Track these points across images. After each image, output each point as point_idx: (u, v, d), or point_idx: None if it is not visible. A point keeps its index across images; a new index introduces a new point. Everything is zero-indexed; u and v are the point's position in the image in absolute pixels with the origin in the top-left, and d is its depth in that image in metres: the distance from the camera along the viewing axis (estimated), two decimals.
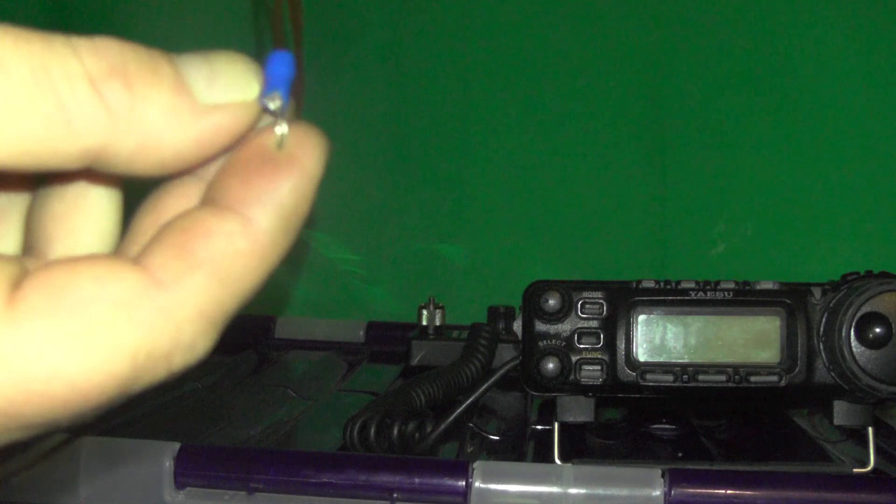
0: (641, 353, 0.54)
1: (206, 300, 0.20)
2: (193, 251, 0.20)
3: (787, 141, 0.92)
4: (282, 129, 0.21)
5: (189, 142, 0.20)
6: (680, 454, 0.61)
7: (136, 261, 0.20)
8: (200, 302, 0.20)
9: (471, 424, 0.63)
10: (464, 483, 0.47)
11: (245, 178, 0.20)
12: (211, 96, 0.20)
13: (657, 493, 0.46)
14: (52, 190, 0.23)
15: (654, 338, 0.54)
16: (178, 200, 0.22)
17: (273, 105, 0.21)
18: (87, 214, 0.23)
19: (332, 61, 0.97)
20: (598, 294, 0.54)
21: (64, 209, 0.23)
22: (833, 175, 0.91)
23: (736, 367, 0.53)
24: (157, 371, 0.19)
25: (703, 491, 0.47)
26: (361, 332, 0.90)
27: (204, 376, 0.74)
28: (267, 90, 0.21)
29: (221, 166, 0.21)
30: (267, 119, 0.22)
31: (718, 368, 0.53)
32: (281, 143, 0.21)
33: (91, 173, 0.21)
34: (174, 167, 0.20)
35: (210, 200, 0.21)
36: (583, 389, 0.54)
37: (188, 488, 0.49)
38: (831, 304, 0.52)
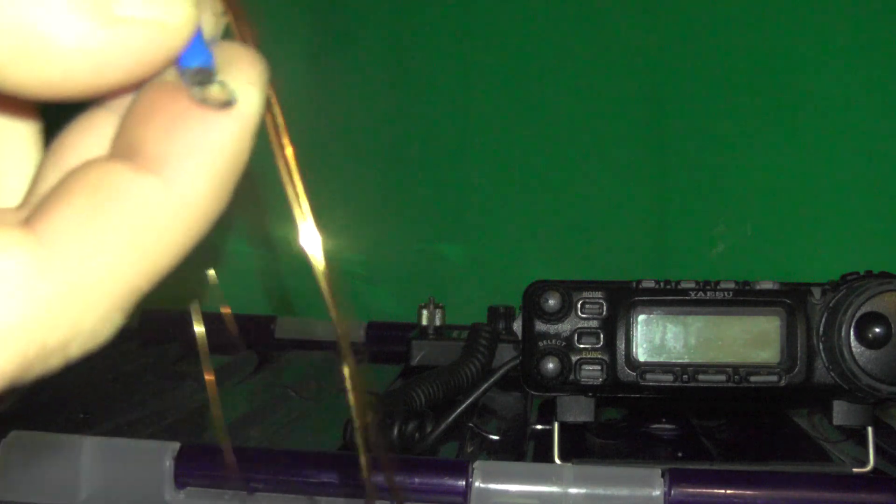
0: (641, 353, 0.54)
1: (115, 278, 0.16)
2: (101, 217, 0.16)
3: (787, 141, 0.92)
4: (209, 64, 0.17)
5: (87, 55, 0.15)
6: (680, 454, 0.61)
7: (29, 224, 0.16)
8: (108, 281, 0.16)
9: (471, 424, 0.63)
10: (464, 483, 0.47)
11: (164, 126, 0.16)
12: (128, 4, 0.16)
13: (657, 492, 0.46)
14: None
15: (653, 338, 0.54)
16: (86, 138, 0.18)
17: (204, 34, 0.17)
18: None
19: (332, 61, 0.97)
20: (598, 294, 0.54)
21: None
22: (833, 175, 0.91)
23: (736, 367, 0.53)
24: (51, 362, 0.16)
25: (703, 491, 0.47)
26: (361, 332, 0.90)
27: (204, 376, 0.74)
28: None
29: (134, 102, 0.17)
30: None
31: (718, 368, 0.53)
32: (208, 81, 0.17)
33: None
34: (63, 89, 0.16)
35: (122, 150, 0.17)
36: (583, 389, 0.54)
37: (188, 488, 0.49)
38: (831, 304, 0.52)
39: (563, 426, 0.55)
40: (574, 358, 0.54)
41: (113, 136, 0.17)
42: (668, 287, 0.54)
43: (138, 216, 0.16)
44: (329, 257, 0.19)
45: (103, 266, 0.16)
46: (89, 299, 0.16)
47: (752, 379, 0.52)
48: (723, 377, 0.53)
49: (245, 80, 0.17)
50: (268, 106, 0.18)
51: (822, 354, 0.52)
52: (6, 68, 0.15)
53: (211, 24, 0.18)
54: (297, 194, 0.19)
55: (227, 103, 0.17)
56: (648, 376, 0.53)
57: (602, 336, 0.54)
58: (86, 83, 0.16)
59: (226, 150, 0.17)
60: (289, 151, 0.19)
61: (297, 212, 0.19)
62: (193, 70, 0.17)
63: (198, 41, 0.17)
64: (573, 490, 0.47)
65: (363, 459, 0.21)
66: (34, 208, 0.16)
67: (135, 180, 0.16)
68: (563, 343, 0.54)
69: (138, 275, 0.16)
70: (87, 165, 0.16)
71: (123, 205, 0.16)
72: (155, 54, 0.16)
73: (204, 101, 0.17)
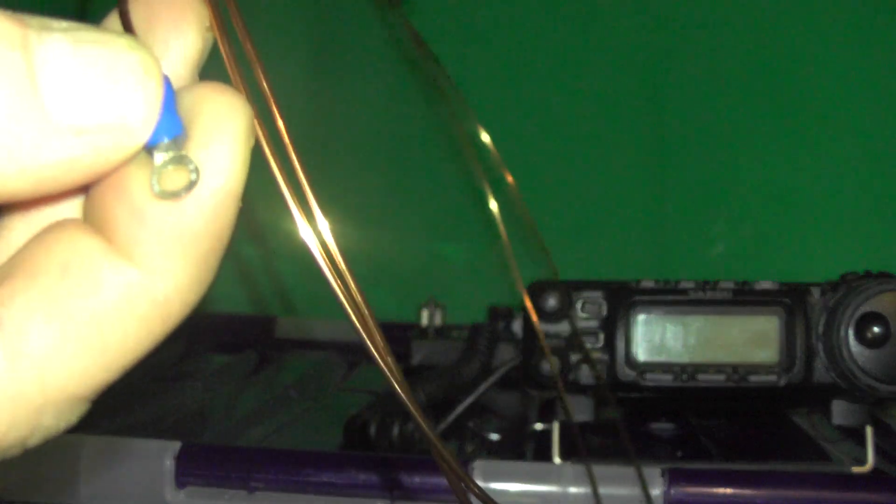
0: (641, 353, 0.54)
1: (80, 376, 0.14)
2: (70, 305, 0.14)
3: (787, 141, 0.92)
4: (179, 134, 0.15)
5: (26, 176, 0.13)
6: (679, 453, 0.61)
7: None
8: (72, 379, 0.14)
9: (471, 424, 0.63)
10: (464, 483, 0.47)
11: (137, 208, 0.14)
12: (71, 112, 0.13)
13: (657, 492, 0.47)
14: None
15: (653, 337, 0.54)
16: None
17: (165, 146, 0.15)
18: None
19: (332, 61, 0.98)
20: (598, 294, 0.55)
21: None
22: (833, 175, 0.91)
23: (735, 367, 0.53)
24: (8, 454, 0.14)
25: (703, 490, 0.47)
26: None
27: (204, 376, 0.74)
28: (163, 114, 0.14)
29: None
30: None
31: (717, 368, 0.53)
32: (177, 156, 0.15)
33: None
34: (2, 201, 0.14)
35: (95, 221, 0.15)
36: (583, 389, 0.54)
37: (189, 487, 0.49)
38: (830, 304, 0.52)
39: (563, 426, 0.56)
40: (574, 358, 0.54)
41: (85, 197, 0.15)
42: (668, 287, 0.54)
43: (111, 307, 0.14)
44: (338, 252, 0.18)
45: (69, 360, 0.14)
46: (52, 396, 0.14)
47: (752, 378, 0.53)
48: (722, 377, 0.53)
49: (215, 143, 0.15)
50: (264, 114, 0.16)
51: (822, 354, 0.52)
52: None
53: (197, 47, 0.16)
54: (296, 189, 0.17)
55: (190, 185, 0.15)
56: (648, 376, 0.53)
57: (602, 336, 0.54)
58: (25, 198, 0.14)
59: (204, 232, 0.15)
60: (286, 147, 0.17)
61: (299, 208, 0.17)
62: (162, 146, 0.15)
63: (165, 112, 0.15)
64: (573, 489, 0.47)
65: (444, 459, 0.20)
66: None
67: (110, 268, 0.14)
68: (563, 343, 0.54)
69: (107, 369, 0.14)
70: (57, 233, 0.14)
71: (96, 295, 0.14)
72: (106, 162, 0.14)
73: (165, 194, 0.14)
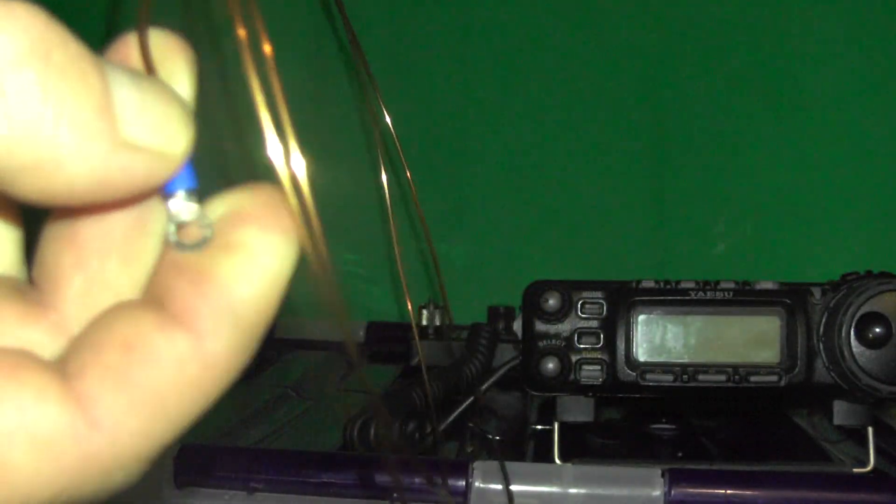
0: (641, 353, 0.54)
1: (146, 439, 0.16)
2: (137, 381, 0.16)
3: (787, 140, 0.92)
4: (194, 187, 0.17)
5: (93, 177, 0.16)
6: (680, 454, 0.61)
7: (66, 379, 0.16)
8: (140, 442, 0.16)
9: (471, 424, 0.63)
10: (464, 483, 0.47)
11: (192, 279, 0.17)
12: (135, 132, 0.16)
13: (657, 492, 0.46)
14: None
15: (653, 338, 0.54)
16: (98, 226, 0.18)
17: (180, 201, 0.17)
18: None
19: (332, 61, 0.97)
20: (598, 294, 0.54)
21: None
22: (833, 175, 0.91)
23: (736, 367, 0.53)
24: (73, 501, 0.16)
25: (703, 491, 0.47)
26: (361, 332, 0.90)
27: None
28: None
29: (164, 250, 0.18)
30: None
31: (718, 368, 0.53)
32: (194, 212, 0.17)
33: None
34: (62, 200, 0.16)
35: (154, 298, 0.17)
36: (583, 389, 0.54)
37: (188, 487, 0.49)
38: (831, 304, 0.52)
39: (563, 426, 0.55)
40: (574, 358, 0.54)
41: (150, 277, 0.17)
42: (668, 287, 0.54)
43: (168, 375, 0.16)
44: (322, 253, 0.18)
45: (138, 425, 0.16)
46: (122, 458, 0.16)
47: (752, 379, 0.52)
48: (723, 377, 0.53)
49: (270, 232, 0.17)
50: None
51: (822, 354, 0.52)
52: (12, 177, 0.15)
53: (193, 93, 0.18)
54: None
55: (203, 240, 0.17)
56: (648, 376, 0.53)
57: (602, 336, 0.54)
58: (83, 198, 0.16)
59: (255, 304, 0.17)
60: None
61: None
62: (179, 196, 0.17)
63: (187, 166, 0.17)
64: (573, 490, 0.47)
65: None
66: (64, 351, 0.16)
67: (167, 337, 0.16)
68: (563, 343, 0.54)
69: (170, 430, 0.16)
70: (117, 313, 0.17)
71: (157, 366, 0.16)
72: (151, 179, 0.16)
73: (181, 245, 0.17)
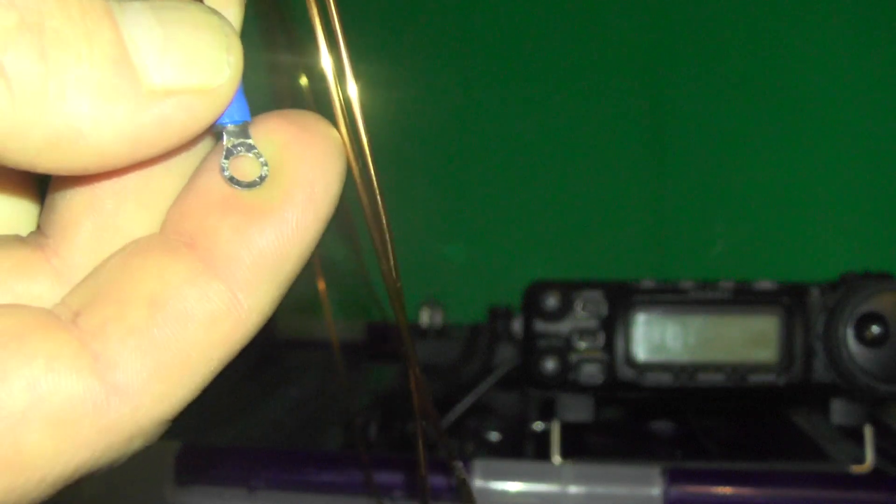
0: (641, 353, 0.54)
1: (169, 402, 0.15)
2: (165, 343, 0.14)
3: (787, 141, 0.92)
4: (247, 119, 0.15)
5: (123, 140, 0.14)
6: (678, 453, 0.61)
7: (79, 339, 0.14)
8: (162, 405, 0.14)
9: (471, 424, 0.63)
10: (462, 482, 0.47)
11: (241, 220, 0.15)
12: (162, 75, 0.14)
13: (656, 491, 0.47)
14: None
15: (653, 337, 0.54)
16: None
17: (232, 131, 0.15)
18: None
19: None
20: (598, 294, 0.55)
21: None
22: (833, 175, 0.91)
23: (734, 367, 0.53)
24: (98, 473, 0.15)
25: (702, 489, 0.47)
26: (361, 332, 0.90)
27: None
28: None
29: (189, 183, 0.15)
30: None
31: (717, 367, 0.53)
32: (246, 143, 0.15)
33: None
34: (98, 168, 0.14)
35: (180, 241, 0.15)
36: (582, 388, 0.54)
37: (189, 487, 0.50)
38: (830, 304, 0.53)
39: (563, 425, 0.56)
40: (574, 357, 0.54)
41: (171, 209, 0.15)
42: (668, 287, 0.54)
43: (199, 335, 0.14)
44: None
45: (159, 391, 0.14)
46: (144, 424, 0.14)
47: (751, 378, 0.53)
48: (722, 376, 0.53)
49: (330, 174, 0.15)
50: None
51: (821, 354, 0.53)
52: (40, 162, 0.14)
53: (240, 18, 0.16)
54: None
55: (261, 179, 0.15)
56: (648, 375, 0.53)
57: (602, 335, 0.54)
58: (121, 163, 0.14)
59: (298, 256, 0.15)
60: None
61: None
62: (230, 130, 0.15)
63: (238, 95, 0.15)
64: (573, 489, 0.47)
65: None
66: (80, 298, 0.14)
67: (199, 292, 0.14)
68: (563, 342, 0.54)
69: (192, 390, 0.15)
70: (142, 259, 0.15)
71: (185, 326, 0.14)
72: (197, 122, 0.14)
73: (234, 181, 0.15)
